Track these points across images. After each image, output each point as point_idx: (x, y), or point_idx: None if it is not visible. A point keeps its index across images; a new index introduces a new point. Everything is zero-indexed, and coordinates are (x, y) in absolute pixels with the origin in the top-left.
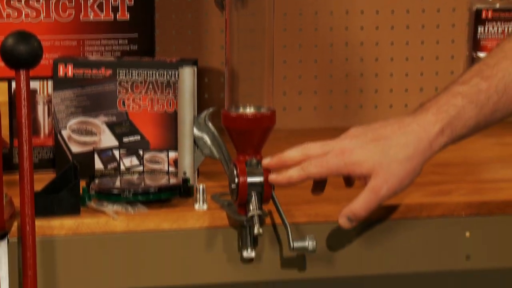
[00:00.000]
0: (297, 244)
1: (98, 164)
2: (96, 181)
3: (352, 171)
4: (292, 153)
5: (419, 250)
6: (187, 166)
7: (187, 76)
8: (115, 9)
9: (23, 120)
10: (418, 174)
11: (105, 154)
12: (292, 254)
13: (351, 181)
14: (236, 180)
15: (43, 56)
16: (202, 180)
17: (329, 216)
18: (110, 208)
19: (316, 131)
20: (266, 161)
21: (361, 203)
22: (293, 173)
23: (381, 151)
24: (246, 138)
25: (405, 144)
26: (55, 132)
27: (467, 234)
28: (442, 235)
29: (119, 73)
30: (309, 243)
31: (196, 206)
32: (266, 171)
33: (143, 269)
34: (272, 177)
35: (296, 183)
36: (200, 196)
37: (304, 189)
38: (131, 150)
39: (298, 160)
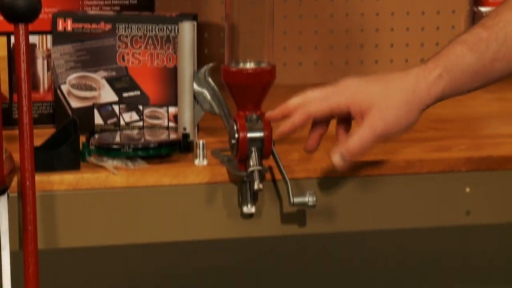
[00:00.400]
0: (297, 200)
1: (98, 119)
2: (96, 136)
3: (352, 105)
4: (294, 100)
5: (419, 205)
6: (187, 121)
7: (187, 31)
8: None
9: (23, 75)
10: (416, 120)
11: (105, 109)
12: (292, 209)
13: (347, 124)
14: (236, 135)
15: (42, 10)
16: (202, 135)
17: (328, 172)
18: (110, 163)
19: (316, 86)
20: (269, 113)
21: (356, 140)
22: (294, 117)
23: (381, 91)
24: (246, 93)
25: (404, 87)
26: (54, 87)
27: (467, 189)
28: (442, 190)
29: (118, 27)
30: (309, 199)
31: (196, 162)
32: (267, 126)
33: (143, 224)
34: (277, 131)
35: (300, 125)
36: (200, 151)
37: (304, 143)
38: (130, 105)
39: (300, 106)
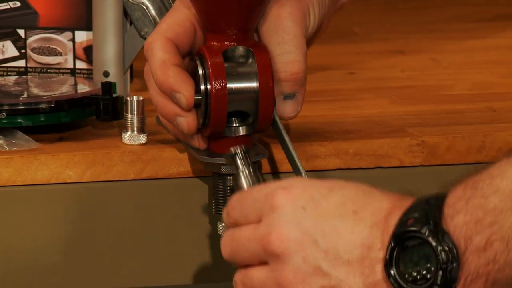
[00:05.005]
0: None
1: None
2: None
3: None
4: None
5: None
6: (110, 60)
7: None
8: None
9: None
10: None
11: None
12: None
13: None
14: (203, 86)
15: None
16: (138, 85)
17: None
18: None
19: None
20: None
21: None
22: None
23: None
24: (222, 7)
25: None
26: None
27: None
28: None
29: None
30: None
31: (126, 138)
32: (265, 67)
33: (27, 251)
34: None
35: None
36: (134, 118)
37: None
38: (4, 28)
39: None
